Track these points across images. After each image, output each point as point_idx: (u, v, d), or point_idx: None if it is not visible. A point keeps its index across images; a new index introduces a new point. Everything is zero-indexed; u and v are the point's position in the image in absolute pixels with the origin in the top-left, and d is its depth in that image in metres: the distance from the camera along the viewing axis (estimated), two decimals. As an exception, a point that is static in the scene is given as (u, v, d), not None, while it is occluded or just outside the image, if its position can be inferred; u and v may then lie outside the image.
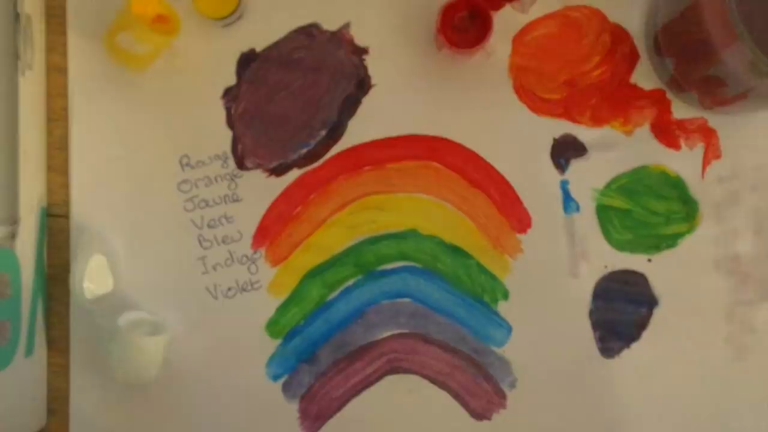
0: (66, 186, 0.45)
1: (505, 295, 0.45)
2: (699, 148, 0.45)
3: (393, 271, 0.45)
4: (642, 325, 0.45)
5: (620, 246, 0.45)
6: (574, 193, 0.45)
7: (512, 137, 0.45)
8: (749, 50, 0.35)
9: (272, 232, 0.45)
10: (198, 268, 0.45)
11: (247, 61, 0.45)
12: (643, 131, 0.45)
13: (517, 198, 0.45)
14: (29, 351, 0.43)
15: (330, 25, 0.45)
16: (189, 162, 0.45)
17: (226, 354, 0.45)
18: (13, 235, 0.41)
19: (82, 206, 0.45)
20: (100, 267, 0.43)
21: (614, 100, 0.45)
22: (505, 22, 0.44)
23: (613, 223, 0.45)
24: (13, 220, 0.41)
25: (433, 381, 0.45)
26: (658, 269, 0.45)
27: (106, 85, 0.45)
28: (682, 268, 0.45)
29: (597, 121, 0.45)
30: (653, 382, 0.44)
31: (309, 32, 0.45)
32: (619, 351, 0.45)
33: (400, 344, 0.45)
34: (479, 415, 0.45)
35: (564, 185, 0.45)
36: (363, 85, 0.45)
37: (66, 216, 0.45)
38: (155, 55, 0.44)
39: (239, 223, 0.45)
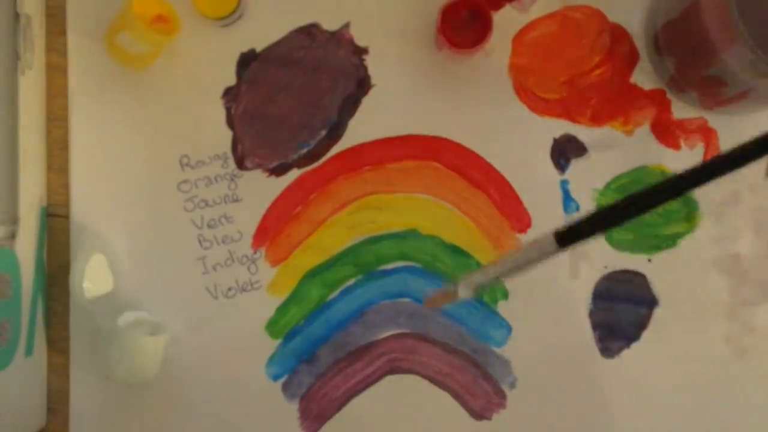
0: (66, 186, 0.45)
1: (505, 295, 0.45)
2: (699, 148, 0.45)
3: (393, 271, 0.45)
4: (642, 325, 0.45)
5: (620, 246, 0.45)
6: (574, 193, 0.45)
7: (512, 137, 0.45)
8: (749, 50, 0.35)
9: (272, 232, 0.45)
10: (198, 268, 0.45)
11: (247, 61, 0.45)
12: (643, 131, 0.45)
13: (517, 198, 0.45)
14: (29, 351, 0.43)
15: (330, 25, 0.45)
16: (189, 162, 0.45)
17: (226, 354, 0.45)
18: (13, 235, 0.41)
19: (82, 206, 0.45)
20: (100, 267, 0.43)
21: (614, 100, 0.45)
22: (505, 22, 0.44)
23: (613, 223, 0.45)
24: (13, 220, 0.41)
25: (433, 381, 0.45)
26: (658, 269, 0.45)
27: (106, 85, 0.45)
28: (682, 268, 0.45)
29: (597, 121, 0.45)
30: (653, 382, 0.44)
31: (309, 32, 0.45)
32: (619, 351, 0.45)
33: (400, 344, 0.45)
34: (479, 415, 0.45)
35: (564, 185, 0.45)
36: (363, 85, 0.45)
37: (66, 216, 0.45)
38: (155, 55, 0.44)
39: (239, 223, 0.45)
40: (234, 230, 0.45)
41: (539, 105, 0.45)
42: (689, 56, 0.41)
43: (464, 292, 0.32)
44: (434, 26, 0.43)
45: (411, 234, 0.45)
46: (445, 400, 0.45)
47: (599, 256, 0.45)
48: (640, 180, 0.45)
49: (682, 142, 0.45)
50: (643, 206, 0.27)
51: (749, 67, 0.36)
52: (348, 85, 0.45)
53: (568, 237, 0.28)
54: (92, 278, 0.42)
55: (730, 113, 0.44)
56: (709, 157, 0.45)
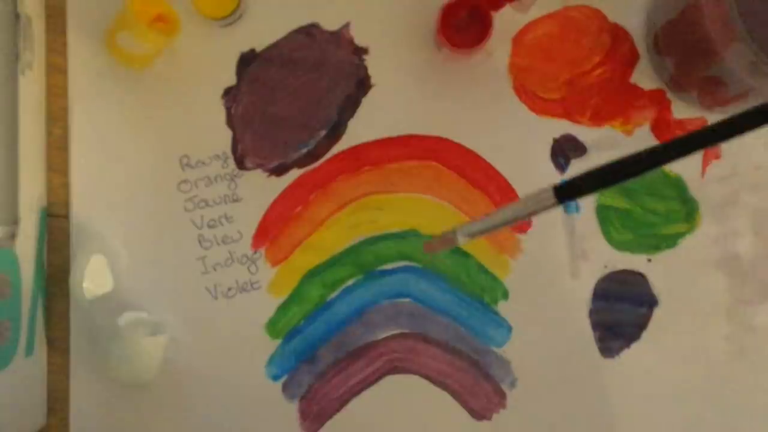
0: (66, 186, 0.45)
1: (505, 295, 0.45)
2: (699, 148, 0.45)
3: (393, 271, 0.45)
4: (642, 325, 0.45)
5: (620, 246, 0.45)
6: (574, 193, 0.45)
7: (512, 137, 0.45)
8: (749, 50, 0.35)
9: (272, 232, 0.45)
10: (198, 268, 0.45)
11: (247, 61, 0.45)
12: (643, 131, 0.45)
13: (518, 198, 0.45)
14: (29, 351, 0.43)
15: (330, 25, 0.45)
16: (189, 162, 0.45)
17: (226, 354, 0.45)
18: (13, 235, 0.41)
19: (82, 206, 0.45)
20: (100, 267, 0.43)
21: (614, 100, 0.45)
22: (505, 22, 0.44)
23: (613, 223, 0.45)
24: (13, 220, 0.41)
25: (433, 381, 0.45)
26: (658, 269, 0.45)
27: (106, 85, 0.45)
28: (682, 268, 0.45)
29: (597, 121, 0.45)
30: (653, 382, 0.44)
31: (309, 32, 0.45)
32: (619, 351, 0.45)
33: (400, 344, 0.45)
34: (479, 415, 0.45)
35: (564, 185, 0.45)
36: (363, 85, 0.45)
37: (66, 216, 0.45)
38: (155, 55, 0.44)
39: (239, 223, 0.45)
40: (234, 230, 0.45)
41: (539, 105, 0.45)
42: (689, 56, 0.41)
43: (463, 239, 0.33)
44: (434, 26, 0.43)
45: (411, 234, 0.45)
46: (445, 400, 0.45)
47: (599, 256, 0.45)
48: (639, 180, 0.44)
49: (682, 142, 0.45)
50: (642, 166, 0.27)
51: (749, 67, 0.36)
52: (348, 85, 0.45)
53: (566, 191, 0.29)
54: (92, 278, 0.42)
55: (730, 113, 0.44)
56: (708, 155, 0.45)
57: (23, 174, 0.42)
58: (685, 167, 0.45)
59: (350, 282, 0.45)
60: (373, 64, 0.45)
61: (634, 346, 0.45)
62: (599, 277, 0.45)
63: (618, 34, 0.45)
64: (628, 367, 0.44)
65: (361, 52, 0.45)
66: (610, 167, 0.28)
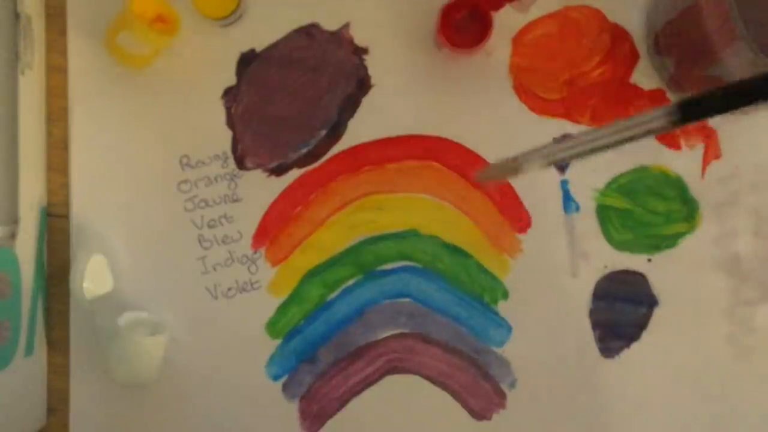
0: (66, 186, 0.45)
1: (505, 295, 0.45)
2: (699, 148, 0.45)
3: (393, 271, 0.45)
4: (642, 325, 0.45)
5: (620, 246, 0.45)
6: (574, 192, 0.45)
7: (512, 137, 0.45)
8: (749, 50, 0.35)
9: (272, 232, 0.45)
10: (198, 268, 0.45)
11: (247, 61, 0.45)
12: (643, 131, 0.45)
13: (517, 198, 0.45)
14: (29, 351, 0.43)
15: (330, 25, 0.45)
16: (189, 162, 0.45)
17: (226, 354, 0.45)
18: (13, 235, 0.41)
19: (82, 206, 0.45)
20: (100, 267, 0.43)
21: (614, 100, 0.45)
22: (505, 22, 0.44)
23: (613, 222, 0.45)
24: (13, 220, 0.41)
25: (433, 381, 0.45)
26: (658, 269, 0.45)
27: (106, 85, 0.45)
28: (682, 268, 0.45)
29: (597, 121, 0.45)
30: (653, 382, 0.44)
31: (309, 32, 0.45)
32: (619, 351, 0.45)
33: (400, 344, 0.45)
34: (479, 415, 0.45)
35: (564, 185, 0.45)
36: (363, 85, 0.45)
37: (66, 216, 0.45)
38: (155, 55, 0.44)
39: (239, 223, 0.45)
40: (234, 230, 0.45)
41: (539, 105, 0.45)
42: (689, 56, 0.41)
43: (532, 165, 0.25)
44: (434, 26, 0.43)
45: (411, 234, 0.45)
46: (445, 400, 0.45)
47: (599, 256, 0.45)
48: (640, 180, 0.45)
49: (682, 142, 0.45)
50: None
51: (749, 67, 0.36)
52: (348, 85, 0.45)
53: (692, 109, 0.24)
54: (92, 278, 0.42)
55: (730, 113, 0.44)
56: (708, 155, 0.45)
57: (23, 174, 0.42)
58: (686, 167, 0.45)
59: (350, 282, 0.45)
60: (373, 64, 0.45)
61: (634, 346, 0.45)
62: (599, 277, 0.45)
63: (618, 34, 0.45)
64: (628, 367, 0.44)
65: (361, 52, 0.45)
66: (740, 86, 0.23)
